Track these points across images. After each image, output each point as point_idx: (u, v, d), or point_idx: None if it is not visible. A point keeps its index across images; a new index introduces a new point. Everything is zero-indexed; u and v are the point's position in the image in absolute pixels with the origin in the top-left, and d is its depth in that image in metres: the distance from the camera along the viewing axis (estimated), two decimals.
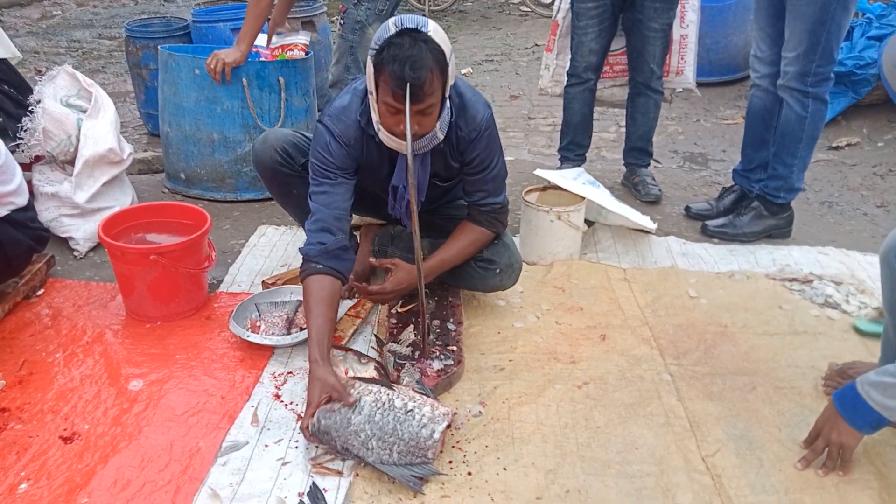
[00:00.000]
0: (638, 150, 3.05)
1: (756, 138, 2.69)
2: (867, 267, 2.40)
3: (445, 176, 1.98)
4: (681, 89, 3.13)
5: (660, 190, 2.97)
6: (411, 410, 1.56)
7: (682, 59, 3.02)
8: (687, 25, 2.95)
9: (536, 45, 5.97)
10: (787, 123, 2.48)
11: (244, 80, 2.76)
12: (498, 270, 2.05)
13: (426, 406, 1.57)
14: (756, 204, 2.64)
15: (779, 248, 2.56)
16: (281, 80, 2.82)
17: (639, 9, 2.74)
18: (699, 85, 3.07)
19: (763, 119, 2.64)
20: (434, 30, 1.64)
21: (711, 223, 2.68)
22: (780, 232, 2.64)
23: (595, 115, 3.03)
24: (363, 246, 2.30)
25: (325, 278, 1.79)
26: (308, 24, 3.68)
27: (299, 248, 1.87)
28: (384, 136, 1.77)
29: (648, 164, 3.08)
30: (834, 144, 3.62)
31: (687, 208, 2.84)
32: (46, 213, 2.47)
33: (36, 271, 2.23)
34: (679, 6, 2.84)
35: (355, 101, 1.84)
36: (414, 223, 1.68)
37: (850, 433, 1.49)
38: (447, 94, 1.74)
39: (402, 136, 1.69)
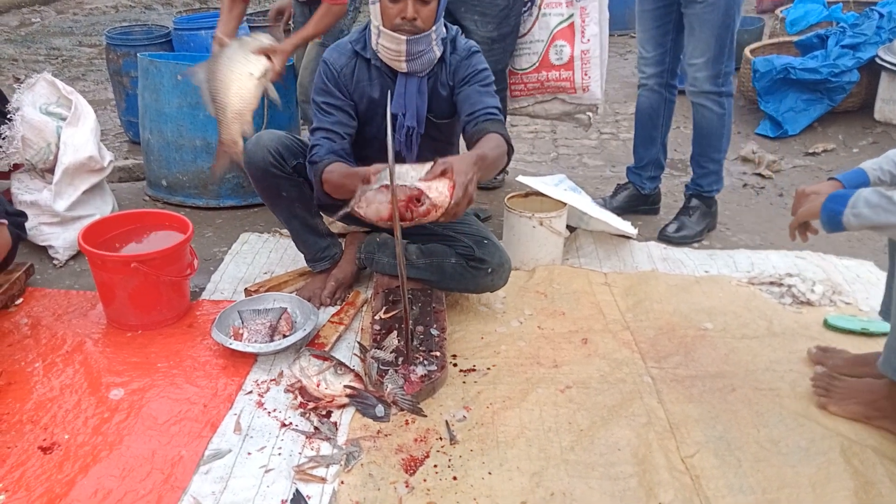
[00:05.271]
0: None
1: (645, 137, 2.80)
2: (843, 270, 2.44)
3: (438, 111, 2.05)
4: (589, 109, 2.91)
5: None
6: None
7: (587, 74, 2.76)
8: (588, 39, 2.71)
9: None
10: (708, 125, 2.59)
11: None
12: (490, 270, 2.06)
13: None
14: (696, 203, 2.73)
15: (757, 252, 2.60)
16: None
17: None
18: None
19: (650, 118, 2.75)
20: None
21: (671, 232, 2.70)
22: (712, 224, 2.77)
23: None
24: (348, 253, 2.30)
25: (339, 163, 1.91)
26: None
27: (308, 159, 2.00)
28: (385, 43, 1.89)
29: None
30: (811, 150, 3.69)
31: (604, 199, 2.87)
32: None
33: (14, 280, 2.21)
34: (579, 19, 2.69)
35: (354, 34, 2.03)
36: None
37: (816, 203, 1.53)
38: None
39: (403, 29, 1.85)
